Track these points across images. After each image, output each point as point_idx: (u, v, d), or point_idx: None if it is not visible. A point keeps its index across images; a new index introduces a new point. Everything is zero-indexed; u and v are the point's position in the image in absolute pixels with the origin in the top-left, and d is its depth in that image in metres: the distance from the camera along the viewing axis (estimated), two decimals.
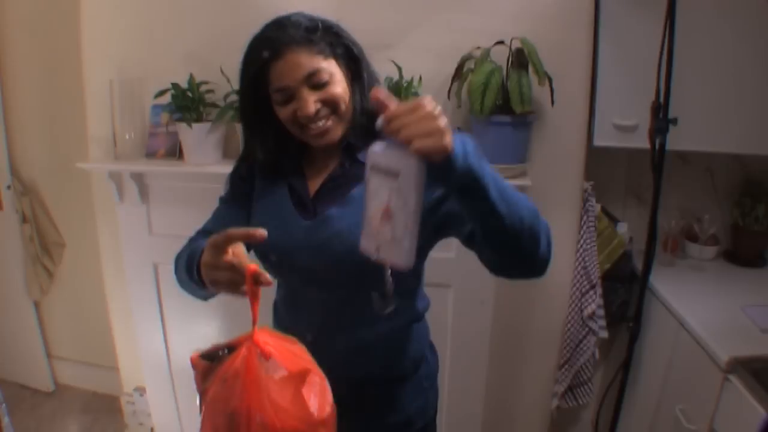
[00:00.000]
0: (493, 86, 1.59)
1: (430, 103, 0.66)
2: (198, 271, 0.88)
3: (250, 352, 0.78)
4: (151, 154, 1.91)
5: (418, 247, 0.98)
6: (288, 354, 0.82)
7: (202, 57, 1.82)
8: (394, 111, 0.67)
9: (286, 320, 1.13)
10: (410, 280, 1.10)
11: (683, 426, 1.55)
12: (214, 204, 1.16)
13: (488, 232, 0.79)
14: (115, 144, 1.90)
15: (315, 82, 0.93)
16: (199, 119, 1.78)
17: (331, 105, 0.95)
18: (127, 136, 1.90)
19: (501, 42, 1.65)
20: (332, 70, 0.95)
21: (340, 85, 0.96)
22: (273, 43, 0.93)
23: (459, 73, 1.69)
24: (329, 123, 0.96)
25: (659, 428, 1.76)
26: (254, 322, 0.80)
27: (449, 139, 0.66)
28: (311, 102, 0.93)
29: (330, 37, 0.96)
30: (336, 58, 0.97)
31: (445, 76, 1.71)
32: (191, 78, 1.78)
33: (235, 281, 0.80)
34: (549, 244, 0.85)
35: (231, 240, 0.80)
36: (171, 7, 1.86)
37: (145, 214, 1.96)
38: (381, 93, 0.68)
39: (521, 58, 1.64)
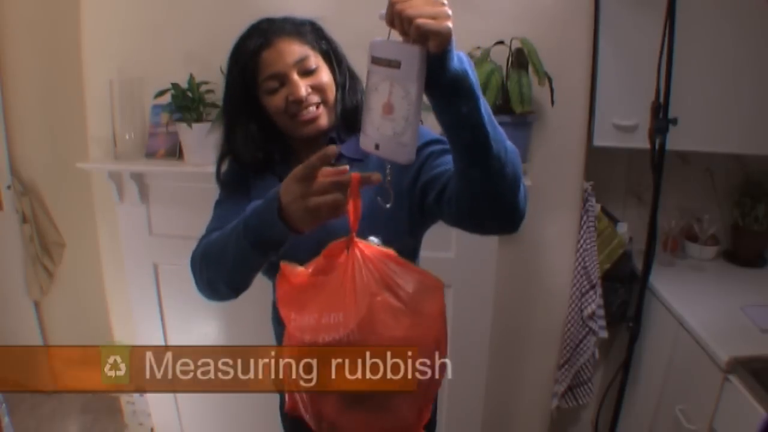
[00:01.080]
0: (493, 86, 1.59)
1: None
2: (254, 235, 0.86)
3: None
4: (151, 154, 1.90)
5: (408, 230, 0.98)
6: (357, 275, 0.83)
7: (202, 57, 1.82)
8: None
9: None
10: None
11: (683, 426, 1.55)
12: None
13: (473, 159, 0.77)
14: (115, 144, 1.90)
15: (305, 68, 0.98)
16: (199, 119, 1.78)
17: (320, 92, 1.00)
18: (127, 136, 1.90)
19: (501, 42, 1.65)
20: (318, 61, 1.01)
21: (327, 75, 1.01)
22: (264, 33, 0.99)
23: None
24: (319, 110, 1.00)
25: (659, 428, 1.76)
26: (353, 230, 0.83)
27: (451, 26, 0.66)
28: (302, 85, 0.97)
29: (315, 33, 1.02)
30: (321, 53, 1.02)
31: None
32: (191, 78, 1.78)
33: (340, 200, 0.79)
34: (526, 196, 0.83)
35: (323, 160, 0.78)
36: (171, 7, 1.86)
37: (145, 214, 1.96)
38: None
39: (521, 58, 1.64)
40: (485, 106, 0.75)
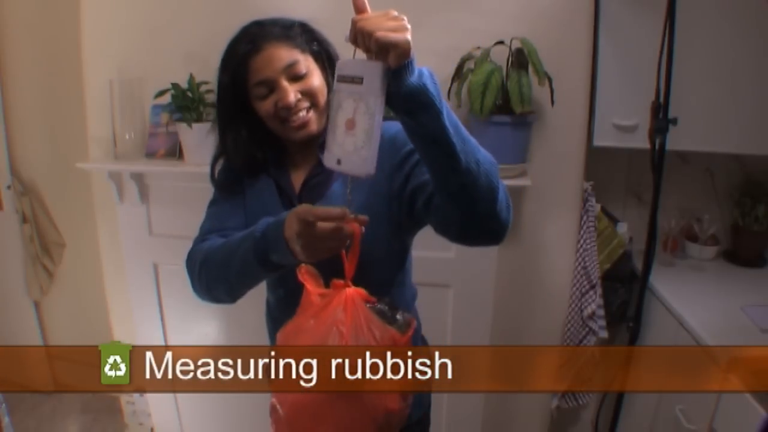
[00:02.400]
0: (493, 86, 1.59)
1: (396, 12, 0.71)
2: (260, 255, 0.88)
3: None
4: (151, 154, 1.90)
5: (397, 234, 0.99)
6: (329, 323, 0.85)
7: (202, 57, 1.82)
8: (363, 14, 0.71)
9: (282, 319, 1.12)
10: (396, 269, 1.10)
11: (683, 426, 1.55)
12: None
13: (445, 172, 0.79)
14: (115, 144, 1.90)
15: (294, 73, 0.97)
16: (199, 119, 1.78)
17: (310, 96, 0.99)
18: (127, 136, 1.90)
19: (501, 42, 1.65)
20: (309, 64, 1.00)
21: (317, 79, 1.00)
22: (253, 37, 0.98)
23: (459, 74, 1.69)
24: (309, 115, 0.99)
25: (659, 428, 1.76)
26: (348, 277, 0.88)
27: (410, 38, 0.70)
28: (291, 92, 0.96)
29: (306, 35, 1.01)
30: (312, 54, 1.01)
31: (445, 77, 1.71)
32: (191, 78, 1.78)
33: (337, 247, 0.83)
34: (509, 206, 0.85)
35: (328, 218, 0.80)
36: (171, 7, 1.86)
37: (145, 214, 1.96)
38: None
39: (521, 58, 1.64)
40: (451, 120, 0.76)
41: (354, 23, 0.71)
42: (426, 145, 0.78)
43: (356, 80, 0.73)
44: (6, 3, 2.29)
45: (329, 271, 0.89)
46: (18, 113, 2.40)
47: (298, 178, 1.07)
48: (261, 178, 1.08)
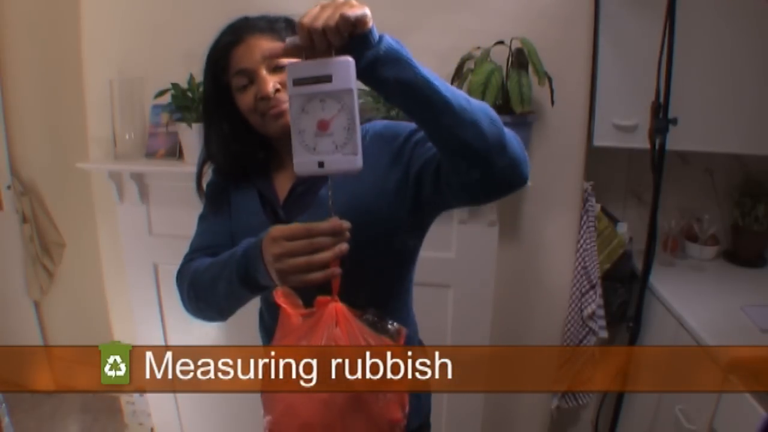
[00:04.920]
0: (493, 86, 1.59)
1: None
2: (248, 274, 0.86)
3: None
4: (151, 154, 1.90)
5: (408, 229, 0.97)
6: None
7: (202, 57, 1.81)
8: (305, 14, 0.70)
9: (274, 328, 1.11)
10: (395, 275, 1.07)
11: (683, 426, 1.55)
12: None
13: (440, 120, 0.76)
14: (115, 144, 1.90)
15: (275, 63, 0.95)
16: (199, 119, 1.78)
17: None
18: (127, 136, 1.90)
19: (501, 42, 1.65)
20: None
21: None
22: (235, 30, 0.99)
23: (459, 74, 1.69)
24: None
25: (659, 428, 1.76)
26: (334, 291, 0.84)
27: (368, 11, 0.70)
28: (270, 82, 0.94)
29: (291, 30, 0.98)
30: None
31: (445, 76, 1.71)
32: (191, 78, 1.78)
33: (302, 264, 0.79)
34: (519, 141, 0.83)
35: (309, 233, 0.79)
36: (171, 6, 1.86)
37: (145, 214, 1.96)
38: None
39: (521, 58, 1.64)
40: (424, 69, 0.75)
41: (302, 25, 0.70)
42: (410, 98, 0.75)
43: (323, 79, 0.72)
44: (6, 3, 2.29)
45: (309, 289, 0.85)
46: (18, 113, 2.40)
47: (284, 186, 1.03)
48: (246, 188, 1.06)
